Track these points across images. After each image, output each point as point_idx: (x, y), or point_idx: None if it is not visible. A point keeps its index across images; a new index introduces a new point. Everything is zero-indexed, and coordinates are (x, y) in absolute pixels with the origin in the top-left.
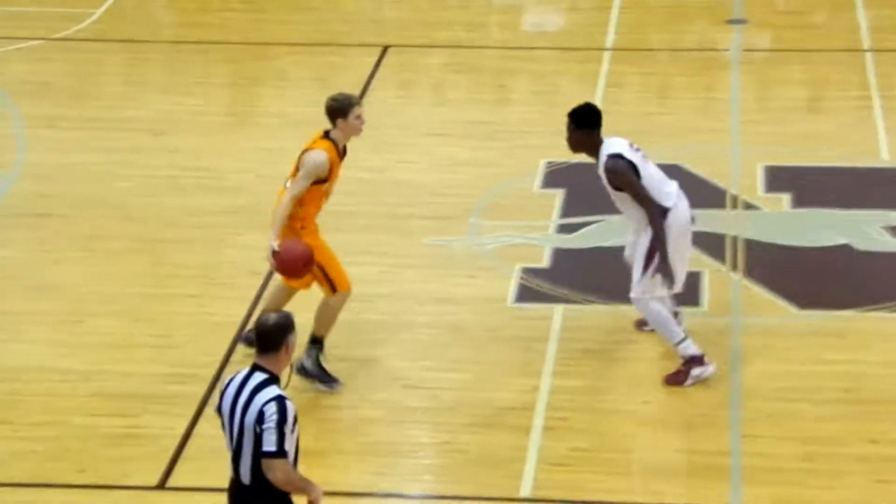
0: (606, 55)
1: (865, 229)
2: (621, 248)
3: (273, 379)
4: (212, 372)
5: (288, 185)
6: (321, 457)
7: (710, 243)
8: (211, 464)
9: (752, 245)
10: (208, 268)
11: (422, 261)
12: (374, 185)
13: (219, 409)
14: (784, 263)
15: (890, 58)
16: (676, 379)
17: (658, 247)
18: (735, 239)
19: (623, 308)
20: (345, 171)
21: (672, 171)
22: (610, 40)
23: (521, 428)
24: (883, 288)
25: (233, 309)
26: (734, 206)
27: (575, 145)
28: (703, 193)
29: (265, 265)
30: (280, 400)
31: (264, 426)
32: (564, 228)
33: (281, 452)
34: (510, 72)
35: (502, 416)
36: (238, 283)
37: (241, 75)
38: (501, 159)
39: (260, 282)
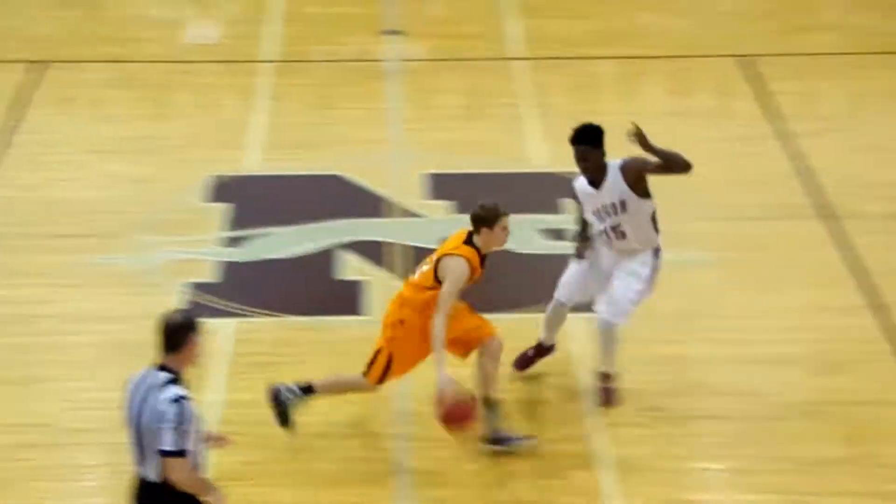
0: (268, 67)
1: (522, 232)
2: (291, 260)
3: (176, 379)
4: None
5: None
6: None
7: (374, 251)
8: None
9: (415, 252)
10: None
11: (86, 279)
12: (29, 203)
13: (124, 409)
14: None
15: (541, 66)
16: (607, 398)
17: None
18: (399, 247)
19: (292, 319)
20: None
21: (332, 181)
22: (271, 52)
23: None
24: (543, 290)
25: None
26: (398, 215)
27: (597, 168)
28: (366, 202)
29: None
30: (181, 400)
31: (164, 425)
32: (232, 242)
33: (180, 452)
34: (170, 86)
35: None
36: None
37: None
38: (165, 174)
39: None
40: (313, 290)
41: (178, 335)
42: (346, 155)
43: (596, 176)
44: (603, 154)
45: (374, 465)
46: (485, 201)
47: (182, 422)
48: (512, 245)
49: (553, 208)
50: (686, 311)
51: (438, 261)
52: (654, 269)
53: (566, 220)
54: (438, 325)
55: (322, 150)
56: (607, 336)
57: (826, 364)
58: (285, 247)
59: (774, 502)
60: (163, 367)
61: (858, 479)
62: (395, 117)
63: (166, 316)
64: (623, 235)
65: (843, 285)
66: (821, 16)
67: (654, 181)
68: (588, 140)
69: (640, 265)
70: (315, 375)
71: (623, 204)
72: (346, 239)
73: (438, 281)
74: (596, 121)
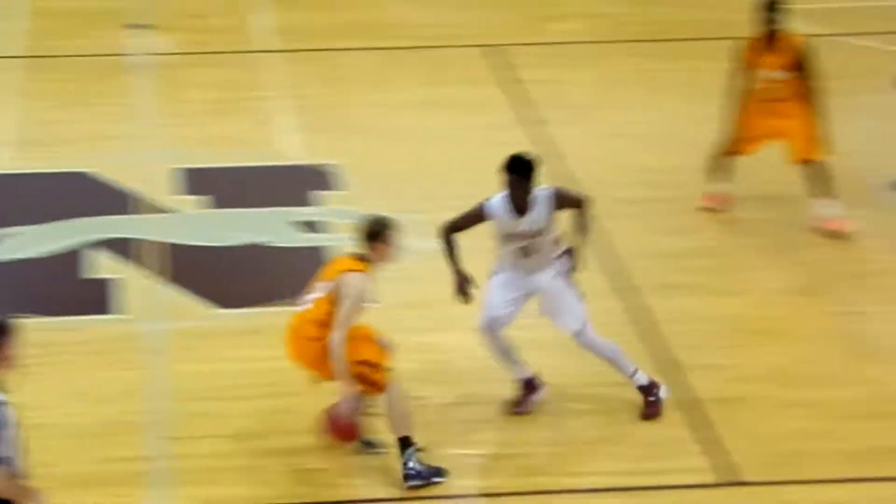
0: (15, 63)
1: (278, 226)
2: (38, 260)
3: None
4: None
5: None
6: None
7: (128, 249)
8: None
9: (171, 248)
10: None
11: None
12: None
13: None
14: (203, 265)
15: (295, 58)
16: (653, 411)
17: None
18: (153, 244)
19: (43, 320)
20: None
21: (80, 179)
22: (18, 48)
23: None
24: (297, 282)
25: None
26: (152, 211)
27: (522, 198)
28: (116, 199)
29: None
30: None
31: None
32: None
33: None
34: None
35: None
36: None
37: None
38: None
39: None
40: (61, 289)
41: None
42: (97, 151)
43: (521, 205)
44: (531, 186)
45: (131, 464)
46: (375, 216)
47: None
48: (265, 238)
49: (306, 201)
50: (434, 299)
51: (337, 281)
52: (566, 272)
53: (318, 212)
54: (338, 342)
55: (73, 146)
56: (591, 345)
57: (573, 346)
58: (32, 246)
59: (524, 486)
60: None
61: (618, 458)
62: (147, 112)
63: None
64: (529, 254)
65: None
66: (567, 5)
67: (394, 168)
68: (519, 170)
69: (553, 280)
70: (68, 376)
71: (541, 231)
72: (95, 237)
73: (332, 304)
74: (349, 112)
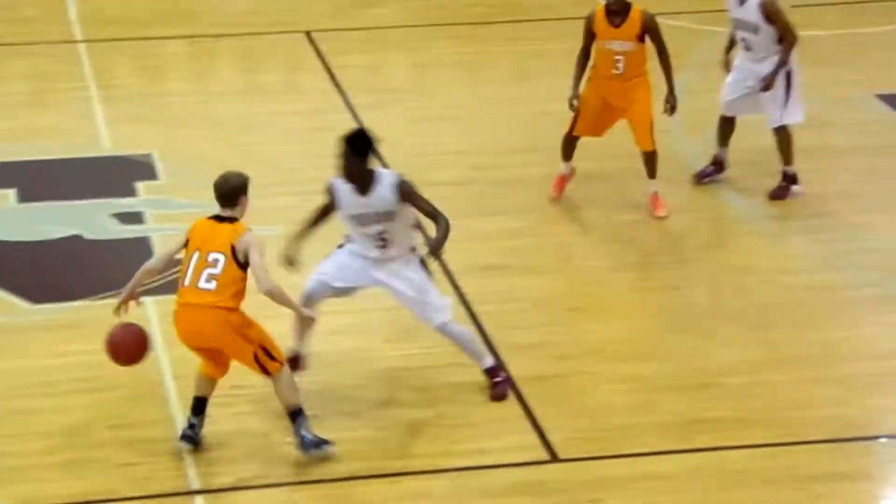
0: None
1: (95, 218)
2: None
3: None
4: None
5: (213, 271)
6: None
7: None
8: None
9: None
10: None
11: None
12: None
13: None
14: (14, 260)
15: (102, 48)
16: (502, 391)
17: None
18: None
19: None
20: None
21: None
22: None
23: None
24: (115, 274)
25: None
26: None
27: (355, 174)
28: None
29: None
30: None
31: None
32: None
33: None
34: None
35: None
36: None
37: None
38: None
39: None
40: None
41: None
42: None
43: (359, 182)
44: (366, 162)
45: None
46: (226, 174)
47: None
48: (84, 231)
49: (126, 191)
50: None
51: (235, 244)
52: (423, 261)
53: (139, 202)
54: (272, 286)
55: None
56: (452, 334)
57: (401, 331)
58: None
59: (354, 469)
60: None
61: (430, 440)
62: None
63: None
64: (382, 243)
65: None
66: None
67: (212, 156)
68: (352, 145)
69: (412, 273)
70: None
71: (389, 214)
72: None
73: (241, 266)
74: (165, 101)
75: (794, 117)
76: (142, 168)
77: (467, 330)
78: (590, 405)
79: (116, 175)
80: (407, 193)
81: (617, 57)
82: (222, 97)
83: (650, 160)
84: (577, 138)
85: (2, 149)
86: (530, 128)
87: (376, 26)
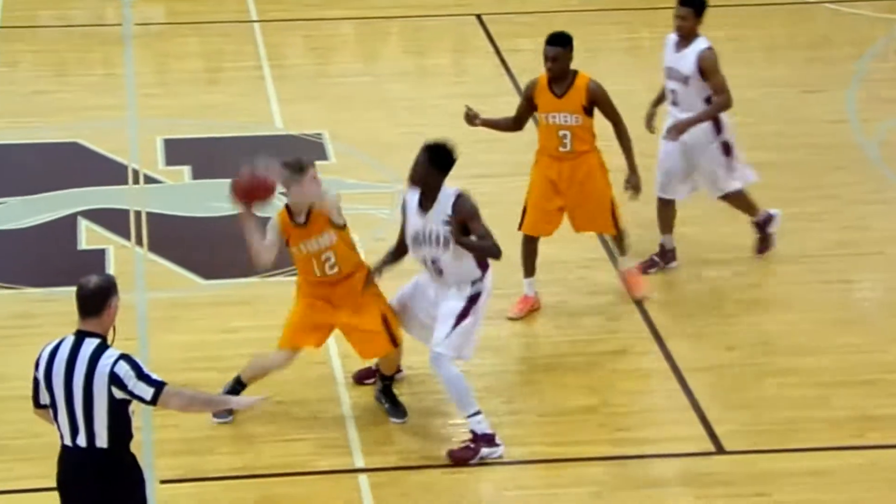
0: None
1: None
2: (28, 230)
3: (105, 341)
4: None
5: None
6: None
7: (113, 219)
8: None
9: (155, 219)
10: None
11: None
12: None
13: (47, 381)
14: (188, 235)
15: (275, 28)
16: (464, 455)
17: (472, 310)
18: (138, 214)
19: (30, 291)
20: None
21: (70, 148)
22: None
23: None
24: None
25: None
26: (136, 181)
27: (424, 182)
28: (103, 170)
29: None
30: (125, 357)
31: (130, 384)
32: None
33: (159, 386)
34: None
35: None
36: None
37: None
38: None
39: None
40: (53, 260)
41: (97, 300)
42: (82, 122)
43: (424, 189)
44: (438, 176)
45: None
46: (286, 159)
47: (141, 369)
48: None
49: None
50: None
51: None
52: (475, 297)
53: None
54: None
55: (57, 117)
56: (441, 371)
57: (567, 316)
58: (22, 216)
59: (517, 455)
60: (87, 334)
61: (595, 427)
62: (133, 83)
63: (82, 281)
64: (440, 273)
65: (580, 239)
66: None
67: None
68: (432, 155)
69: (454, 300)
70: None
71: (444, 240)
72: (86, 207)
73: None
74: (338, 83)
75: (737, 184)
76: (313, 148)
77: (461, 375)
78: (757, 397)
79: (288, 154)
80: (462, 208)
81: (562, 132)
82: (392, 79)
83: (618, 239)
84: (534, 242)
85: (178, 126)
86: None
87: (546, 10)
